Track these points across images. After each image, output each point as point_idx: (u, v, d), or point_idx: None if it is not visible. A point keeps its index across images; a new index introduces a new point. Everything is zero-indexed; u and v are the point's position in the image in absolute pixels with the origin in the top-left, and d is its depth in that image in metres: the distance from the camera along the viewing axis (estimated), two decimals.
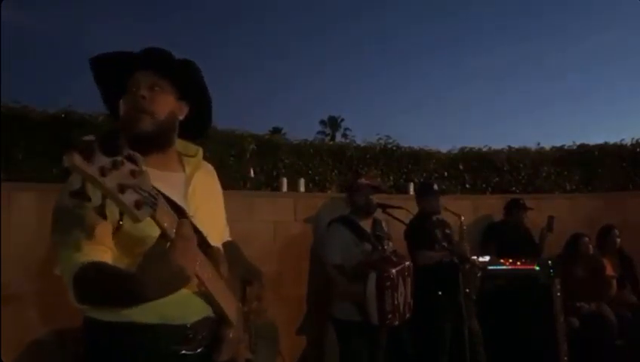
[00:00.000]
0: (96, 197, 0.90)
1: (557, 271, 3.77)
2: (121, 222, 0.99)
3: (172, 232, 1.04)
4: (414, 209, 4.14)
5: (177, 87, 1.36)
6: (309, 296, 4.10)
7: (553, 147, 6.26)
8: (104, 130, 1.43)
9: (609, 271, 4.55)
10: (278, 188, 4.73)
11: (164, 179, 1.25)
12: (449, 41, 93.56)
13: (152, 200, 0.93)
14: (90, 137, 0.86)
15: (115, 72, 1.31)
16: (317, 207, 4.52)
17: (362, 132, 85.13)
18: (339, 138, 33.77)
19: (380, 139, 5.74)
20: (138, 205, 0.89)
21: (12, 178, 3.81)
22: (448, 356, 3.76)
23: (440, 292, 3.73)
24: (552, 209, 5.03)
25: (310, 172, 5.19)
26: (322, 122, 42.72)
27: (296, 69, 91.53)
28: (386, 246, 3.41)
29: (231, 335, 1.34)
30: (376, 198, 4.32)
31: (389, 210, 4.12)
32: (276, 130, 20.24)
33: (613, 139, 7.23)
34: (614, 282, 4.58)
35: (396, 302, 3.08)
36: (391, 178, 5.49)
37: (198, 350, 1.32)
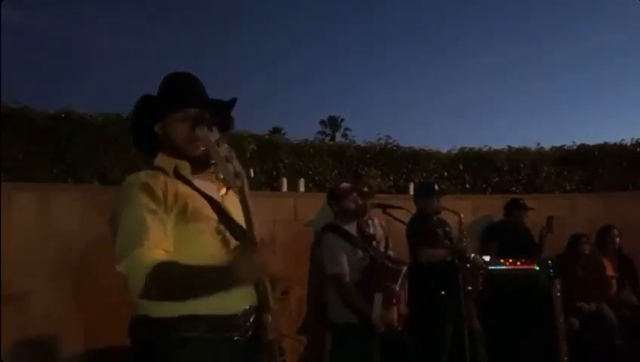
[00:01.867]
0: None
1: (557, 271, 3.77)
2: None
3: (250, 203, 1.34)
4: (414, 209, 4.14)
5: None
6: (309, 296, 4.10)
7: (553, 147, 6.26)
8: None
9: (609, 271, 4.56)
10: (278, 188, 4.74)
11: (205, 186, 1.56)
12: (449, 41, 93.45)
13: (241, 173, 1.24)
14: (208, 115, 1.31)
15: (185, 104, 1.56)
16: (317, 207, 4.52)
17: (362, 132, 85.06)
18: (339, 138, 33.72)
19: (380, 139, 5.75)
20: (236, 175, 1.23)
21: (12, 178, 3.81)
22: (448, 356, 3.76)
23: (443, 292, 3.72)
24: (552, 209, 5.02)
25: (310, 172, 5.19)
26: (322, 122, 42.50)
27: (297, 69, 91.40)
28: (379, 247, 3.45)
29: (270, 319, 1.51)
30: (376, 198, 4.34)
31: (389, 210, 4.11)
32: (276, 130, 20.21)
33: (613, 139, 7.24)
34: (614, 282, 4.58)
35: (400, 312, 3.26)
36: (391, 178, 5.49)
37: (247, 334, 1.52)
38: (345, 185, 3.50)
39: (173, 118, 1.56)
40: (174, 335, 1.42)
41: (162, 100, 1.59)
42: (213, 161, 1.47)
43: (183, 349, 1.42)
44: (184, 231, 1.45)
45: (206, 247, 1.47)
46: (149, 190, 1.44)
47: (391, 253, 4.30)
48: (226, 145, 1.23)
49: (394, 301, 3.15)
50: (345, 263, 3.24)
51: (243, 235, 1.50)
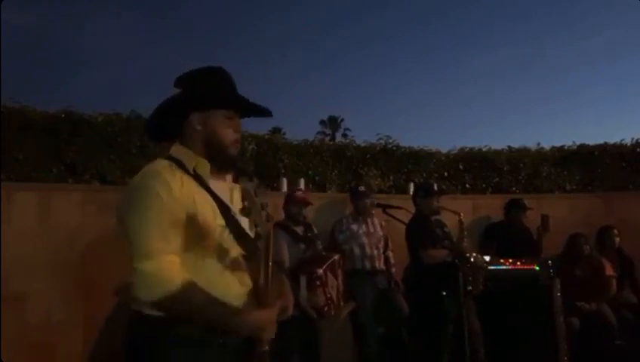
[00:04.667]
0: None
1: (557, 271, 3.77)
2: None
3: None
4: (414, 209, 4.14)
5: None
6: None
7: (553, 147, 6.24)
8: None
9: (609, 271, 4.55)
10: (278, 188, 4.73)
11: (217, 186, 1.57)
12: (449, 41, 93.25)
13: (270, 217, 1.37)
14: (250, 166, 1.38)
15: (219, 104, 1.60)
16: (317, 207, 4.52)
17: (362, 132, 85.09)
18: (339, 138, 33.70)
19: (380, 139, 5.73)
20: (268, 219, 1.36)
21: (12, 178, 3.81)
22: (449, 355, 3.77)
23: (444, 293, 3.73)
24: (552, 209, 5.02)
25: (310, 172, 5.19)
26: (322, 122, 42.48)
27: (297, 68, 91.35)
28: (317, 246, 3.84)
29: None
30: (376, 198, 4.36)
31: (390, 211, 4.12)
32: (276, 130, 20.19)
33: (613, 139, 7.21)
34: (614, 282, 4.57)
35: (329, 295, 3.48)
36: (391, 178, 5.49)
37: (240, 339, 1.51)
38: (299, 193, 3.95)
39: (225, 115, 1.58)
40: (168, 335, 1.42)
41: (220, 93, 1.59)
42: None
43: (175, 349, 1.42)
44: (190, 229, 1.46)
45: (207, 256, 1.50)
46: (168, 188, 1.43)
47: (390, 253, 4.33)
48: (261, 191, 1.36)
49: (318, 283, 3.43)
50: (285, 253, 3.63)
51: (248, 240, 1.54)
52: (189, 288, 1.39)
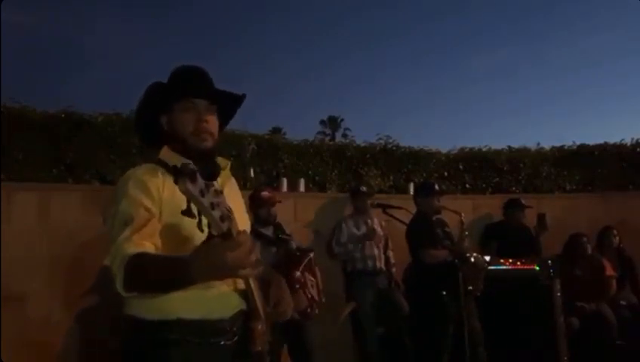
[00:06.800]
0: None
1: (557, 271, 3.77)
2: (213, 232, 1.19)
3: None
4: (414, 209, 4.14)
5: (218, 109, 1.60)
6: None
7: (553, 147, 6.25)
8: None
9: (609, 271, 4.55)
10: (278, 188, 4.74)
11: None
12: (449, 41, 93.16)
13: (228, 215, 1.17)
14: (192, 165, 1.18)
15: (173, 97, 1.53)
16: (317, 207, 4.53)
17: (362, 132, 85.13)
18: (339, 138, 33.65)
19: (380, 139, 5.74)
20: (222, 219, 1.15)
21: (12, 178, 3.81)
22: (449, 355, 3.77)
23: (444, 292, 3.73)
24: (552, 209, 5.03)
25: (310, 172, 5.19)
26: (322, 122, 42.38)
27: (297, 68, 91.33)
28: (291, 246, 3.68)
29: (260, 327, 1.50)
30: (376, 198, 4.36)
31: (390, 210, 4.13)
32: (276, 130, 20.18)
33: (613, 139, 7.21)
34: (614, 282, 4.58)
35: (309, 296, 3.45)
36: (391, 178, 5.49)
37: (234, 339, 1.49)
38: (265, 193, 3.72)
39: (180, 108, 1.51)
40: (158, 338, 1.40)
41: (169, 89, 1.55)
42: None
43: (166, 352, 1.40)
44: (173, 234, 1.41)
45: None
46: (143, 187, 1.41)
47: (391, 252, 4.33)
48: (212, 189, 1.15)
49: (297, 286, 3.39)
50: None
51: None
52: (140, 254, 1.30)
